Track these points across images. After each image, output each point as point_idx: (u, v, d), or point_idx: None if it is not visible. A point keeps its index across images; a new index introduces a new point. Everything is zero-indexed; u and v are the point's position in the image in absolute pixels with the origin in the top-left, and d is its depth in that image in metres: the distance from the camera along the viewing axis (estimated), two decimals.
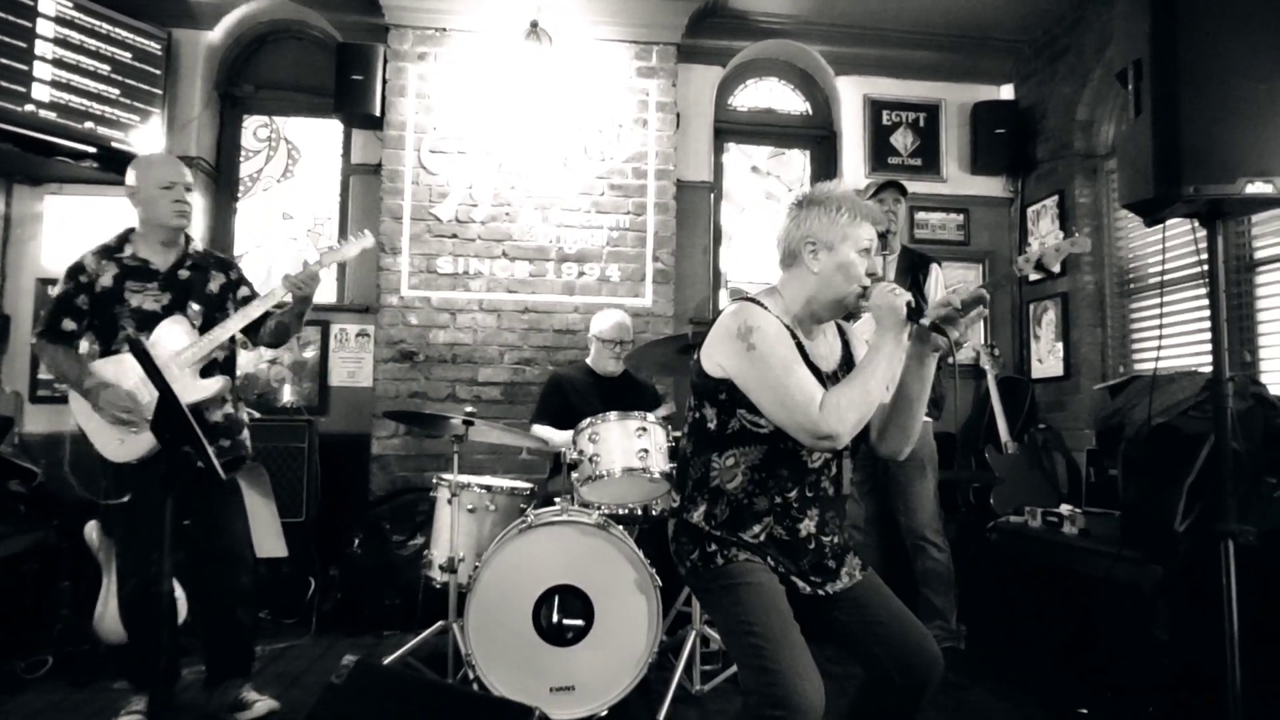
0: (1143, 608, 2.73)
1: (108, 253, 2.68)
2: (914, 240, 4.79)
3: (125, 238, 2.72)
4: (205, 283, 2.76)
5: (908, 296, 1.74)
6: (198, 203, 4.44)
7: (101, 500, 2.77)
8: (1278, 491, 2.47)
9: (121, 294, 2.63)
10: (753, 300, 1.84)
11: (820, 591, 1.80)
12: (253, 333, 2.80)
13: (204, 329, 2.68)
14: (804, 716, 1.55)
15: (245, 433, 2.86)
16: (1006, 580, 3.56)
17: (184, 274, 2.73)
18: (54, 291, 2.69)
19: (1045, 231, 4.72)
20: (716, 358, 1.80)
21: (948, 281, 3.60)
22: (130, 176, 2.70)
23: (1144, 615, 2.72)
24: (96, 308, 2.64)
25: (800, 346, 1.80)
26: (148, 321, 2.62)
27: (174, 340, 2.61)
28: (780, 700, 1.56)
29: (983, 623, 3.41)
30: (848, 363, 1.93)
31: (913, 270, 3.41)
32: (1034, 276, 2.92)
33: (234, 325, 2.66)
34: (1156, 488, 2.74)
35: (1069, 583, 3.19)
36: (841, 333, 1.99)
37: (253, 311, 2.68)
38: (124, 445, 2.57)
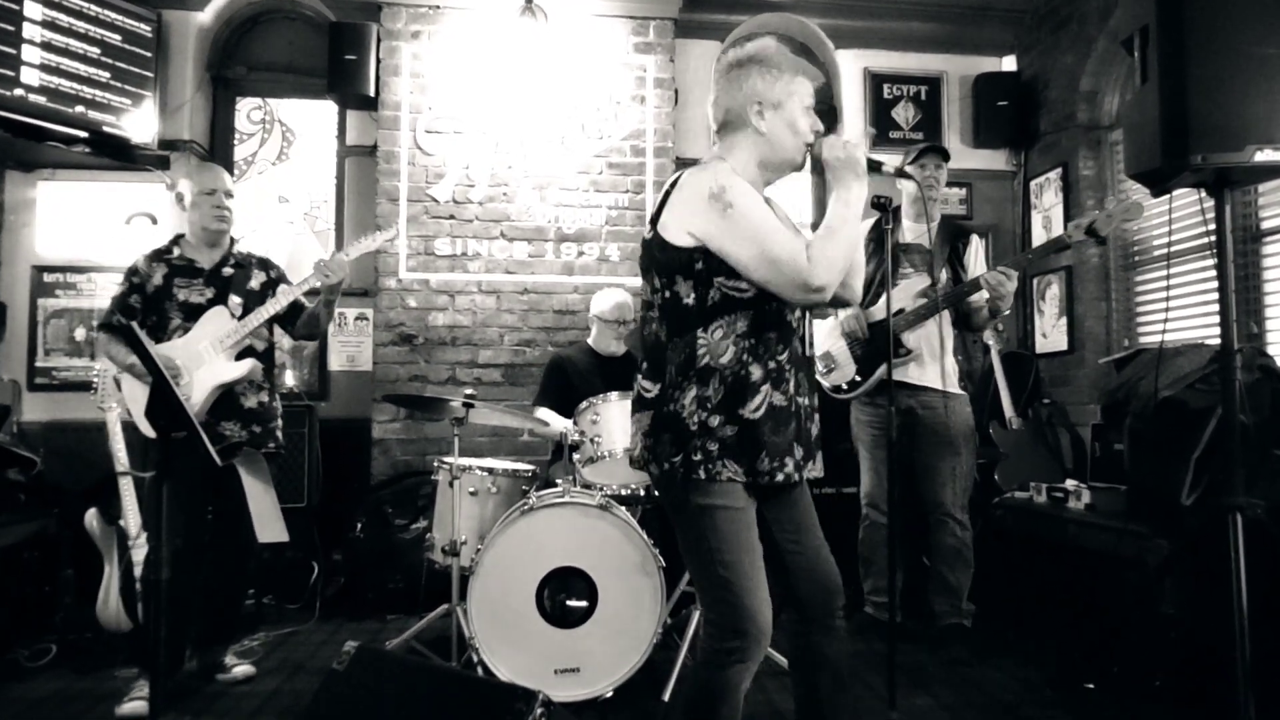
0: (1149, 582, 2.72)
1: (159, 255, 2.96)
2: None
3: (175, 241, 3.00)
4: (247, 280, 3.01)
5: (864, 146, 1.79)
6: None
7: (141, 472, 3.16)
8: None
9: (171, 290, 2.91)
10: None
11: (798, 475, 1.80)
12: (288, 324, 3.05)
13: (244, 319, 2.90)
14: (758, 642, 1.69)
15: (278, 421, 3.07)
16: (1012, 556, 3.56)
17: (227, 271, 2.99)
18: (112, 292, 2.97)
19: (1049, 205, 4.68)
20: (687, 225, 1.71)
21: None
22: (178, 182, 3.00)
23: (1151, 590, 2.72)
24: (149, 304, 2.90)
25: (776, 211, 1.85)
26: (194, 313, 2.88)
27: (216, 327, 2.86)
28: (740, 630, 1.68)
29: (989, 599, 3.41)
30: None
31: (952, 240, 3.33)
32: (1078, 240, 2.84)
33: (268, 311, 2.89)
34: (1163, 462, 2.72)
35: (1075, 558, 3.18)
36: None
37: (284, 299, 2.91)
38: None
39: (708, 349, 1.73)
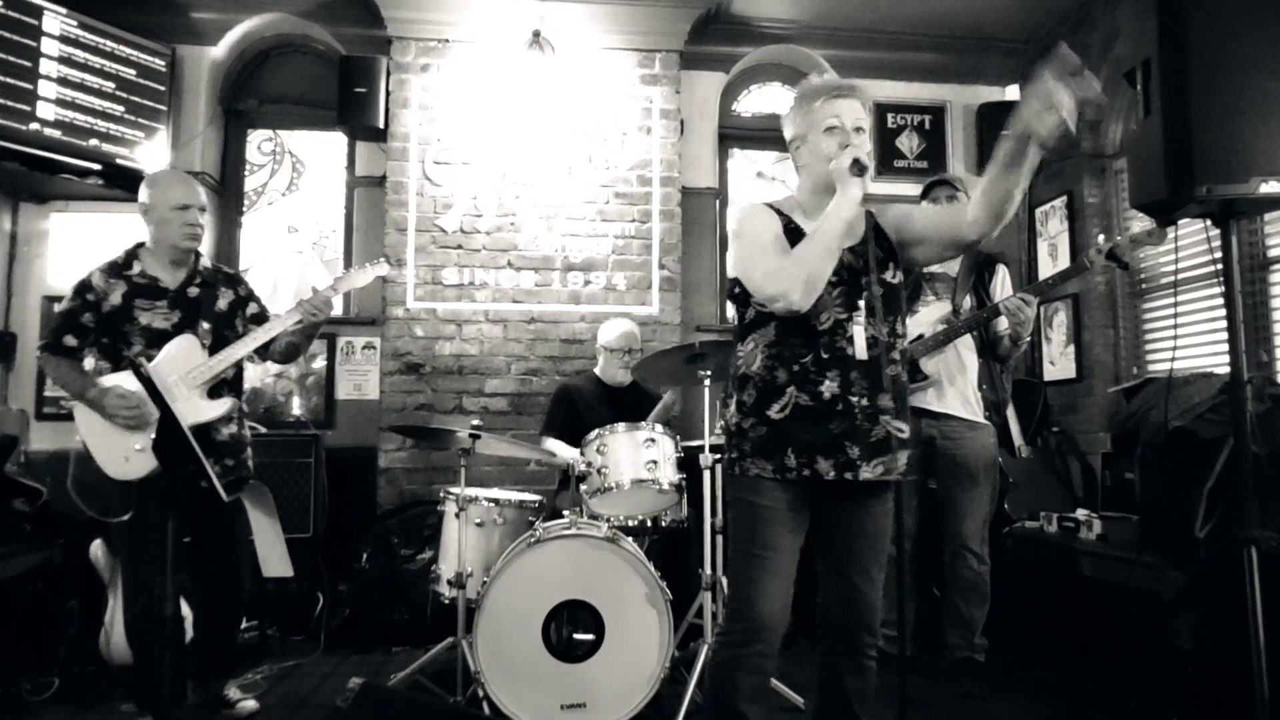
0: (1164, 615, 2.68)
1: (116, 270, 2.68)
2: None
3: (134, 254, 2.73)
4: (214, 300, 2.78)
5: (858, 153, 1.83)
6: (203, 219, 4.44)
7: (105, 518, 2.76)
8: None
9: (131, 312, 2.64)
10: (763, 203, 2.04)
11: (847, 474, 1.83)
12: (262, 349, 2.81)
13: (214, 346, 2.68)
14: (752, 632, 1.86)
15: (249, 451, 2.87)
16: (1023, 587, 3.51)
17: (193, 291, 2.74)
18: (59, 307, 2.70)
19: (1055, 232, 4.68)
20: (729, 260, 2.02)
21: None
22: (143, 194, 2.72)
23: (1165, 623, 2.67)
24: (104, 326, 2.64)
25: (797, 229, 1.94)
26: (158, 339, 2.63)
27: (184, 359, 2.62)
28: (735, 613, 1.90)
29: (1000, 631, 3.36)
30: (865, 240, 1.99)
31: (978, 269, 3.30)
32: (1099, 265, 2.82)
33: (244, 348, 2.68)
34: (1175, 492, 2.70)
35: (1087, 589, 3.14)
36: (870, 215, 2.05)
37: (262, 336, 2.71)
38: (128, 463, 2.57)
39: (744, 360, 1.96)
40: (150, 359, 2.58)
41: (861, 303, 1.89)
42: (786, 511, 1.88)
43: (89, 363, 2.70)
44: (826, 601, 1.98)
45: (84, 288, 2.65)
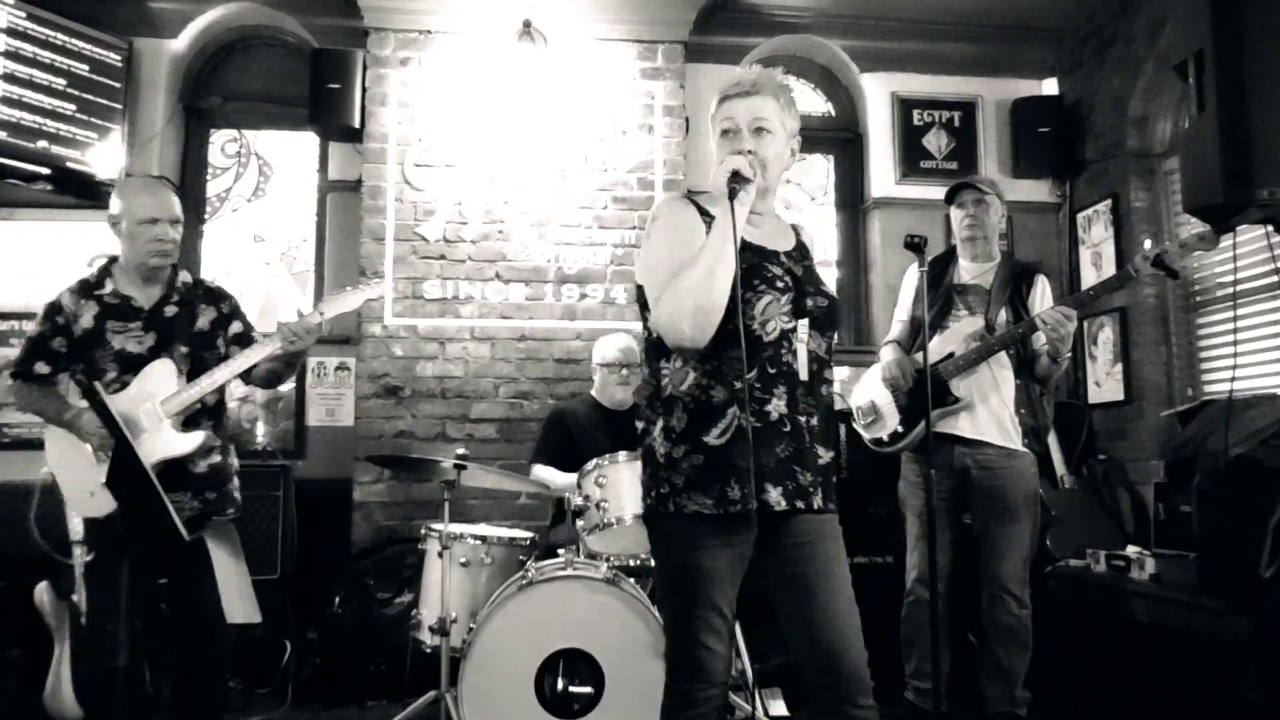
0: (1227, 663, 2.66)
1: (87, 290, 2.67)
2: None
3: (107, 271, 2.72)
4: (193, 319, 2.75)
5: (734, 165, 1.76)
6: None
7: (66, 558, 2.92)
8: None
9: (103, 335, 2.63)
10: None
11: (799, 503, 1.77)
12: (244, 374, 2.78)
13: (193, 371, 2.67)
14: (706, 686, 1.77)
15: (235, 482, 2.83)
16: (1068, 633, 3.49)
17: (169, 311, 2.72)
18: (29, 331, 2.70)
19: (1098, 239, 4.69)
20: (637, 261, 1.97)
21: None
22: (112, 203, 2.71)
23: (1229, 672, 2.65)
24: (76, 350, 2.64)
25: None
26: (132, 365, 2.62)
27: (160, 385, 2.60)
28: (690, 677, 1.78)
29: (1042, 680, 3.34)
30: (802, 250, 2.00)
31: (1015, 281, 3.27)
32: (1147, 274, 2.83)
33: (221, 377, 2.65)
34: (1237, 528, 2.69)
35: (1140, 635, 3.13)
36: (796, 231, 2.06)
37: (240, 365, 2.67)
38: (94, 499, 2.55)
39: (669, 377, 1.86)
40: (125, 385, 2.59)
41: (806, 316, 1.86)
42: (728, 561, 1.78)
43: (62, 388, 2.73)
44: (800, 664, 1.83)
45: (54, 310, 2.65)
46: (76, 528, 3.17)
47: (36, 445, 3.46)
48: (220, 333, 2.80)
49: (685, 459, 1.79)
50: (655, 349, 1.90)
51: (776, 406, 1.79)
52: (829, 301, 1.93)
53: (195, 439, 2.63)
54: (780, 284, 1.85)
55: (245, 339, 2.81)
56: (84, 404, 2.57)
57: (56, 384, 2.70)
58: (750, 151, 1.84)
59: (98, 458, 2.55)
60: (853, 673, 1.76)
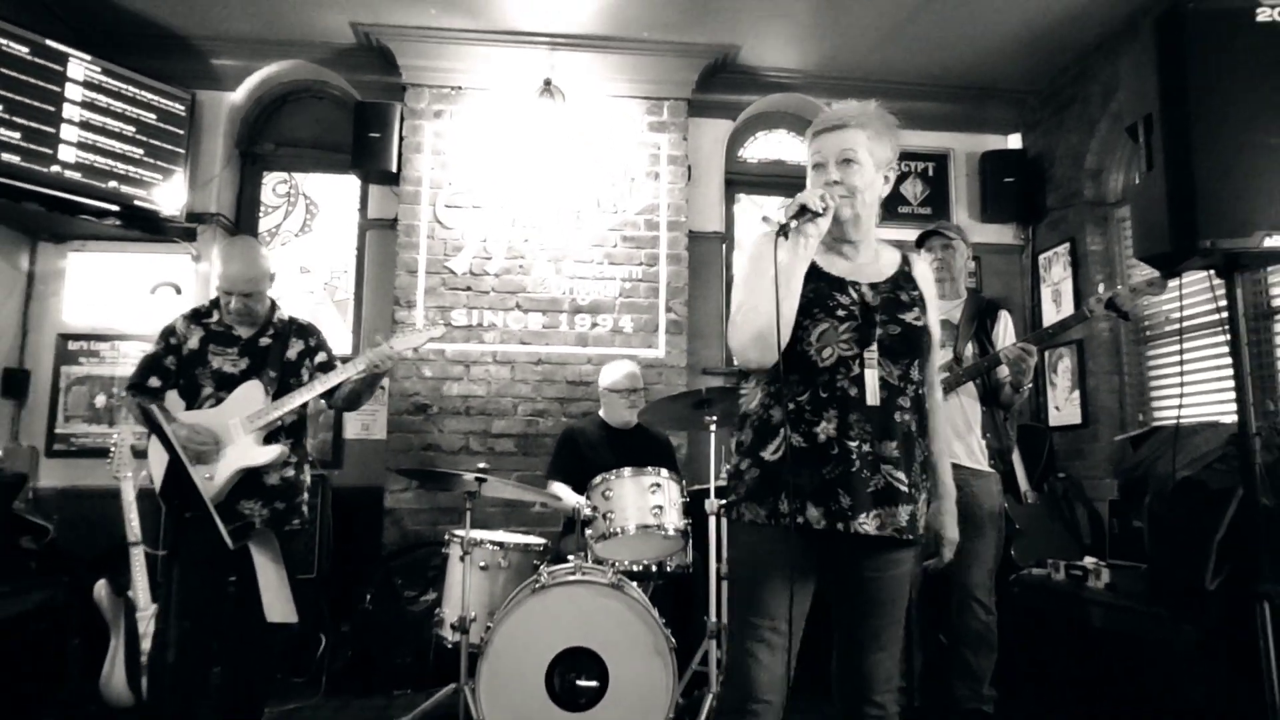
0: (1176, 668, 2.63)
1: (197, 317, 2.85)
2: None
3: (216, 304, 2.86)
4: (284, 350, 2.86)
5: (801, 199, 1.70)
6: (216, 258, 4.48)
7: (157, 550, 3.03)
8: None
9: (205, 356, 2.78)
10: None
11: (839, 525, 1.67)
12: (328, 395, 2.88)
13: (278, 394, 2.78)
14: (749, 698, 1.70)
15: (304, 495, 2.90)
16: (1031, 636, 3.45)
17: (264, 341, 2.85)
18: (146, 350, 2.85)
19: (1058, 279, 4.69)
20: None
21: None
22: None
23: (1177, 676, 2.62)
24: (182, 368, 2.79)
25: (811, 264, 1.77)
26: (227, 383, 2.77)
27: (248, 403, 2.73)
28: (735, 683, 1.73)
29: (1008, 681, 3.30)
30: (896, 280, 1.87)
31: (980, 317, 3.27)
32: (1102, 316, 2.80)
33: (304, 396, 2.76)
34: (1185, 544, 2.66)
35: (1097, 639, 3.09)
36: (905, 261, 1.94)
37: (322, 385, 2.78)
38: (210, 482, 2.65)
39: (745, 397, 1.85)
40: (220, 400, 2.74)
41: (874, 343, 1.76)
42: (785, 572, 1.70)
43: (170, 399, 2.82)
44: (835, 669, 1.82)
45: (169, 332, 2.82)
46: (135, 528, 3.17)
47: (100, 454, 3.48)
48: (306, 362, 2.90)
49: (748, 471, 1.78)
50: (741, 370, 1.90)
51: (825, 429, 1.71)
52: (903, 329, 1.79)
53: (271, 452, 2.72)
54: (842, 312, 1.76)
55: (328, 366, 2.90)
56: (184, 416, 2.70)
57: (164, 397, 2.79)
58: (837, 182, 1.78)
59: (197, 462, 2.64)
60: (865, 698, 1.75)
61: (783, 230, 1.69)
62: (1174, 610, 2.66)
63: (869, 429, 1.72)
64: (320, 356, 2.93)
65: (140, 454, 2.93)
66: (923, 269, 1.96)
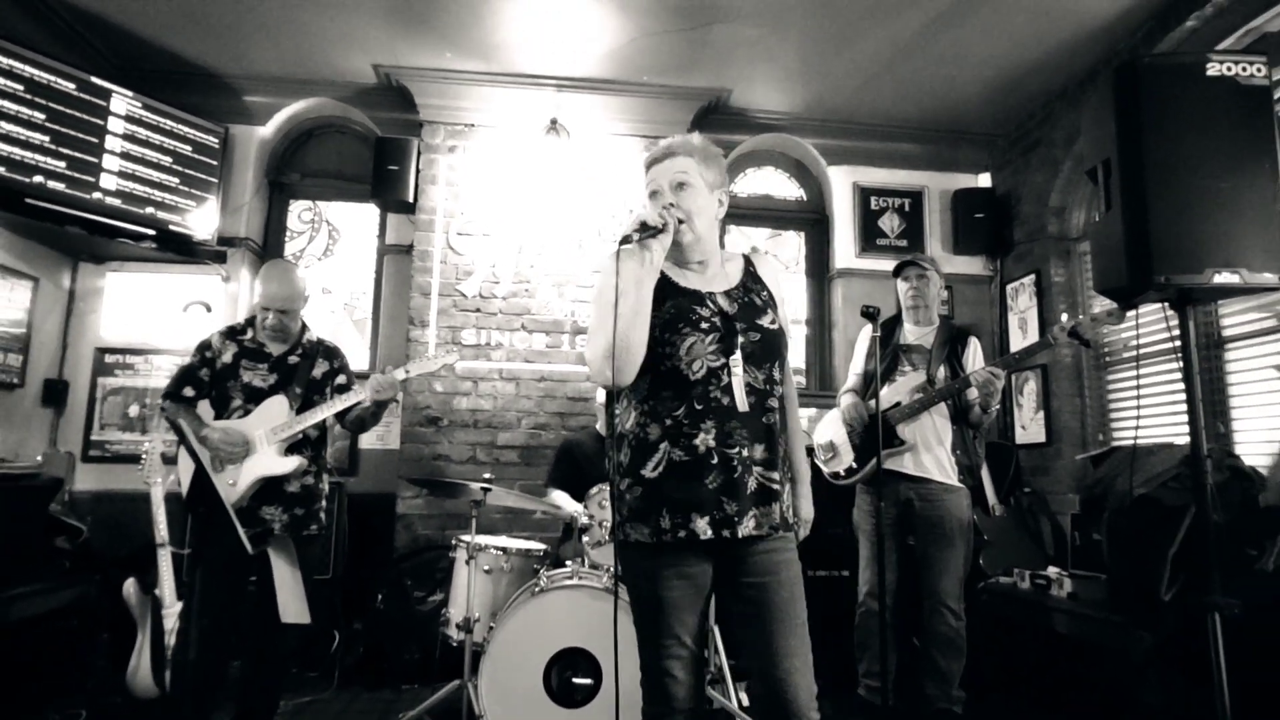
0: (1133, 673, 2.60)
1: (233, 334, 2.85)
2: None
3: (251, 322, 2.86)
4: (311, 369, 2.86)
5: (641, 216, 1.66)
6: (244, 279, 4.49)
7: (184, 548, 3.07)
8: (1259, 564, 2.37)
9: (237, 370, 2.78)
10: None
11: (725, 532, 1.60)
12: (340, 417, 2.85)
13: (302, 408, 2.78)
14: (672, 713, 1.66)
15: (321, 503, 2.88)
16: (998, 641, 3.43)
17: (293, 359, 2.85)
18: (182, 362, 2.85)
19: (1024, 307, 4.70)
20: None
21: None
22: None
23: (1134, 680, 2.60)
24: (214, 380, 2.79)
25: (662, 281, 1.73)
26: (255, 396, 2.76)
27: (274, 416, 2.73)
28: (657, 701, 1.68)
29: (976, 683, 3.27)
30: (746, 284, 1.82)
31: (952, 342, 3.26)
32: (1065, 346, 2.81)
33: (319, 415, 2.75)
34: (1141, 557, 2.65)
35: (1059, 644, 3.07)
36: (748, 263, 1.89)
37: (337, 405, 2.77)
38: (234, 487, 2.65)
39: (620, 418, 1.74)
40: (248, 412, 2.73)
41: (738, 351, 1.69)
42: (683, 592, 1.64)
43: (202, 408, 2.82)
44: (756, 690, 1.68)
45: (204, 346, 2.82)
46: (163, 530, 3.14)
47: (132, 460, 3.46)
48: (329, 382, 2.89)
49: (629, 491, 1.68)
50: (609, 393, 1.78)
51: (704, 440, 1.63)
52: (762, 335, 1.74)
53: (291, 463, 2.71)
54: (705, 324, 1.69)
55: (345, 389, 2.88)
56: (216, 423, 2.70)
57: (196, 406, 2.80)
58: (672, 205, 1.73)
59: (214, 467, 2.64)
60: (799, 711, 1.61)
61: (625, 240, 1.64)
62: (1131, 618, 2.65)
63: (744, 435, 1.66)
64: (340, 378, 2.91)
65: (170, 460, 2.92)
66: (768, 266, 1.91)
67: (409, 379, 2.83)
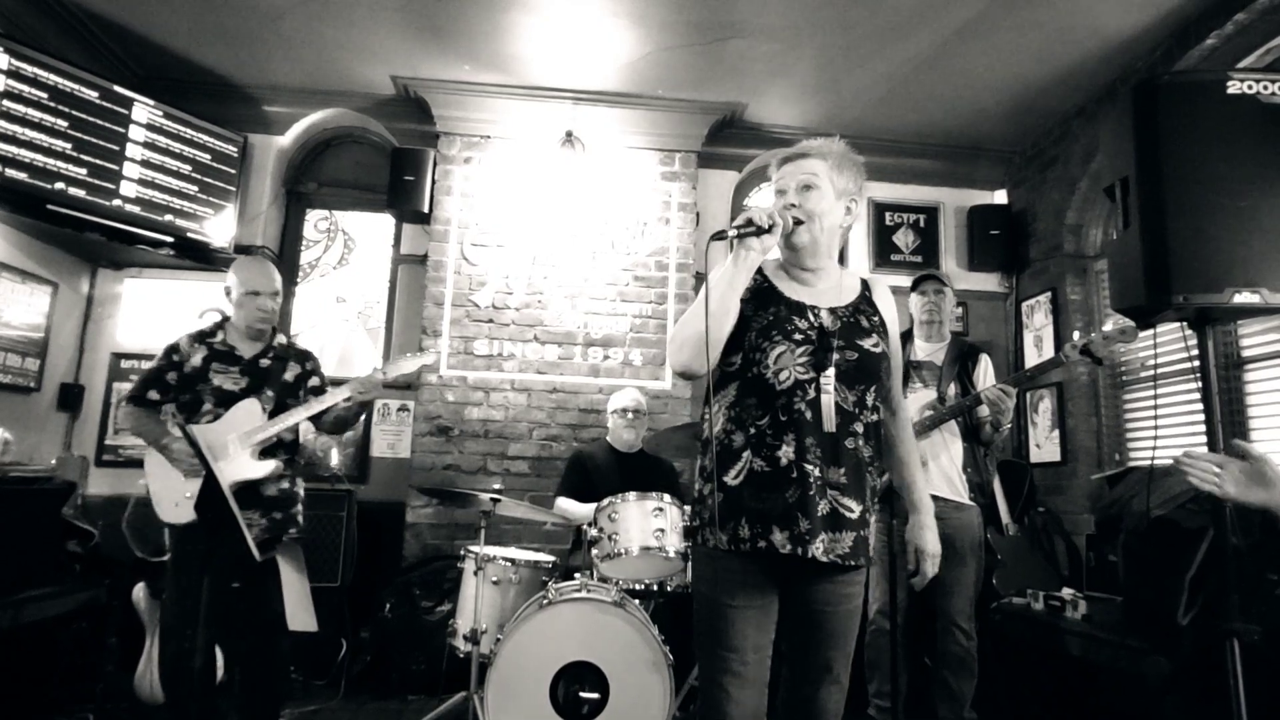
0: (1149, 699, 2.56)
1: (202, 338, 2.80)
2: None
3: (221, 326, 2.84)
4: (283, 372, 2.84)
5: (747, 214, 1.63)
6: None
7: (152, 558, 2.94)
8: (1279, 589, 2.33)
9: (207, 373, 2.74)
10: None
11: (799, 549, 1.57)
12: (316, 419, 2.83)
13: (274, 412, 2.75)
14: None
15: (299, 506, 2.85)
16: (1010, 662, 3.38)
17: (265, 363, 2.82)
18: (147, 365, 2.80)
19: (1040, 325, 4.66)
20: None
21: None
22: (228, 276, 2.83)
23: (1151, 707, 2.55)
24: (183, 384, 2.74)
25: (769, 288, 1.75)
26: (226, 400, 2.72)
27: (246, 420, 2.69)
28: (702, 707, 1.63)
29: (988, 703, 3.22)
30: (858, 305, 1.80)
31: (962, 359, 3.25)
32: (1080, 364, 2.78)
33: (297, 416, 2.72)
34: (1158, 580, 2.60)
35: (1073, 667, 3.01)
36: (865, 286, 1.87)
37: (315, 407, 2.75)
38: (178, 508, 2.60)
39: (708, 422, 1.72)
40: (218, 416, 2.68)
41: (831, 368, 1.65)
42: (749, 603, 1.60)
43: (165, 416, 2.79)
44: (783, 701, 1.66)
45: (172, 350, 2.77)
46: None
47: (140, 465, 3.48)
48: (302, 385, 2.86)
49: (710, 496, 1.65)
50: (705, 396, 1.74)
51: (786, 453, 1.60)
52: (860, 355, 1.69)
53: (267, 467, 2.67)
54: (799, 336, 1.67)
55: (320, 391, 2.87)
56: (178, 434, 2.64)
57: (161, 411, 2.76)
58: (793, 206, 1.72)
59: (185, 476, 2.59)
60: None
61: (719, 235, 1.62)
62: (1148, 642, 2.60)
63: (821, 454, 1.62)
64: (314, 381, 2.90)
65: (136, 464, 2.88)
66: (884, 294, 1.88)
67: (404, 379, 2.86)
